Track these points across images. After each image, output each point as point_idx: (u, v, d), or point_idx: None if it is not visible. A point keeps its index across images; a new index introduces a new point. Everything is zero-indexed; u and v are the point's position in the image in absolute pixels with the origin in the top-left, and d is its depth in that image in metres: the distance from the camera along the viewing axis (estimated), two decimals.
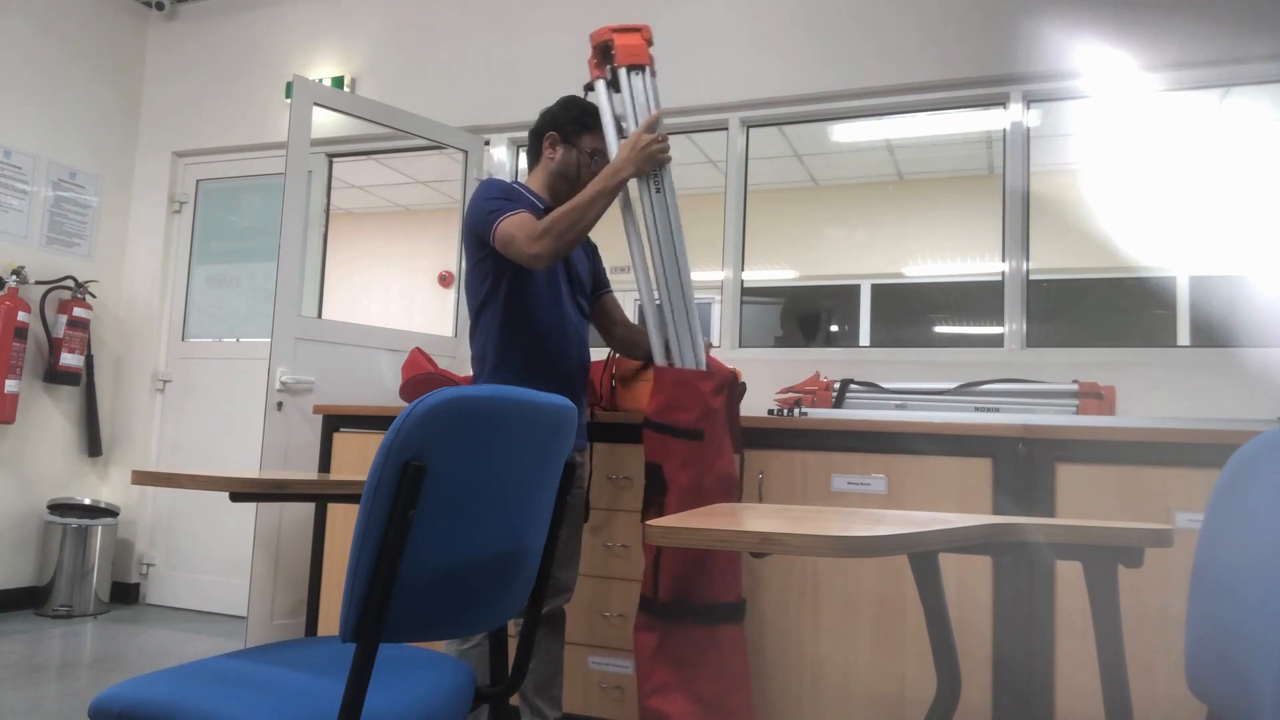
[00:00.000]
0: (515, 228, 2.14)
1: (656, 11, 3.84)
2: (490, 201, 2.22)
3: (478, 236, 2.24)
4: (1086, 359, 3.09)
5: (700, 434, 2.26)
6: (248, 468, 4.37)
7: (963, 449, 2.38)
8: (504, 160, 4.13)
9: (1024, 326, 3.26)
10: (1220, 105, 3.41)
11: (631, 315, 2.63)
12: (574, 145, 2.36)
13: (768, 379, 3.44)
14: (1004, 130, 3.39)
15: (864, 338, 6.81)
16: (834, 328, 6.88)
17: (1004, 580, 2.30)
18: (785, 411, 2.66)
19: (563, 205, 2.15)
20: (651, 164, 2.25)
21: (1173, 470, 2.20)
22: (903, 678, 2.37)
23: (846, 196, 6.62)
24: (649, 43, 2.45)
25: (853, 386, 3.10)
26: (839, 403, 3.09)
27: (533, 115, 4.08)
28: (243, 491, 1.64)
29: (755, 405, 3.41)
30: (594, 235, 2.49)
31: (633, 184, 2.32)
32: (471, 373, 2.37)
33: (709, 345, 2.45)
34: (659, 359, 2.33)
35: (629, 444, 2.68)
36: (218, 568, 4.43)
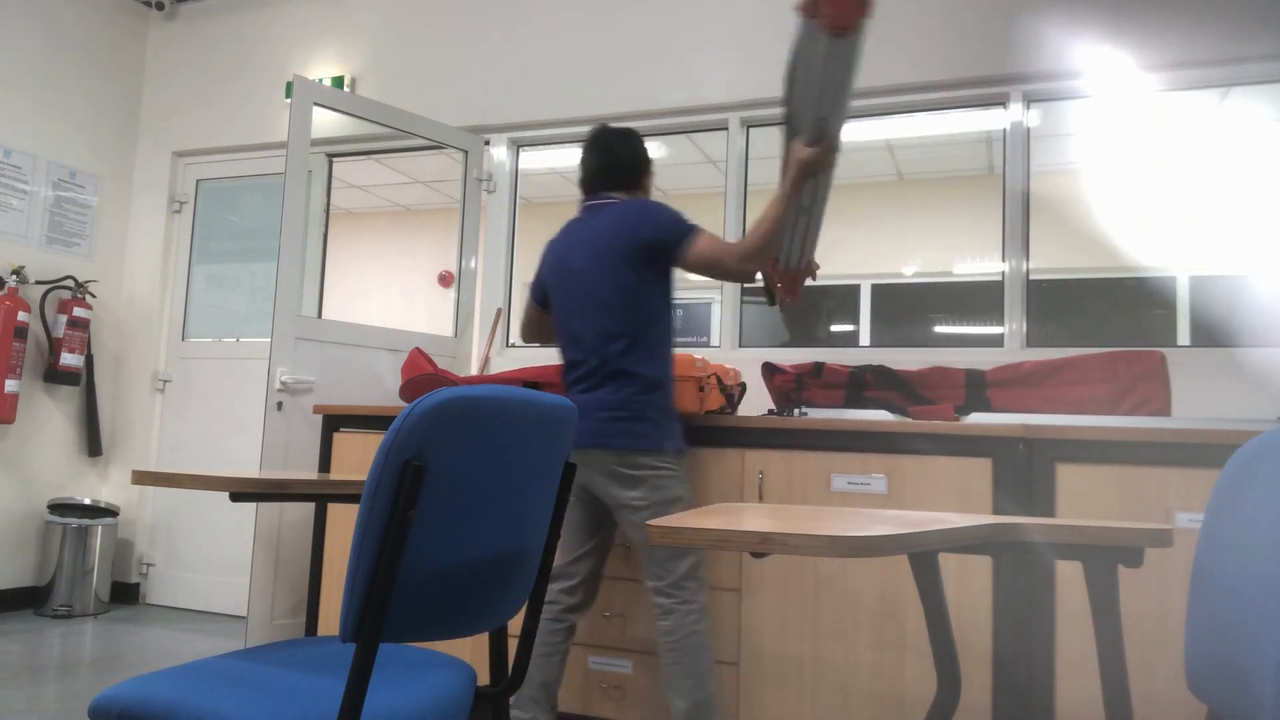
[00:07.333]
0: (714, 248, 2.24)
1: (657, 11, 3.84)
2: (681, 219, 2.28)
3: (660, 250, 2.25)
4: None
5: None
6: (248, 468, 4.37)
7: (963, 449, 2.38)
8: (504, 160, 4.13)
9: (1024, 326, 3.26)
10: (1220, 105, 3.41)
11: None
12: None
13: None
14: (1004, 130, 3.39)
15: (864, 338, 6.80)
16: (850, 327, 6.87)
17: (1004, 580, 2.30)
18: (785, 412, 2.66)
19: (761, 220, 2.19)
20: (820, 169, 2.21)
21: (1173, 470, 2.20)
22: (903, 678, 2.37)
23: (846, 196, 6.62)
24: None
25: None
26: None
27: (533, 115, 4.13)
28: (243, 491, 1.64)
29: (756, 405, 3.42)
30: None
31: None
32: (633, 393, 2.25)
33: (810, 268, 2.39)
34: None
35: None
36: (218, 568, 4.43)
